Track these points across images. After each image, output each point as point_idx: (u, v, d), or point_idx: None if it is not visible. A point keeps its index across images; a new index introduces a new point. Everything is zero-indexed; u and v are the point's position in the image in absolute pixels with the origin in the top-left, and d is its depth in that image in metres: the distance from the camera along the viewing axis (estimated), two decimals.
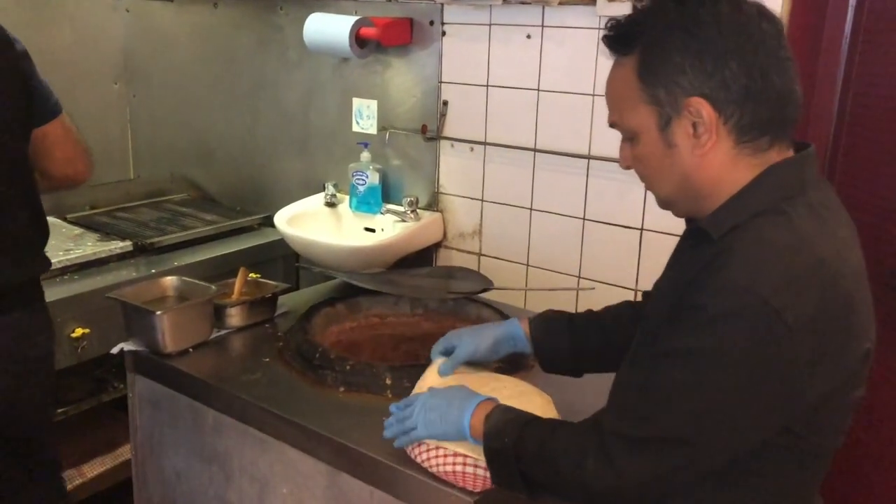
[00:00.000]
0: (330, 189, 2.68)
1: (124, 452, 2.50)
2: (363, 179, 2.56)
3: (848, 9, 1.91)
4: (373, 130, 2.60)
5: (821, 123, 1.99)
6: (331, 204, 2.68)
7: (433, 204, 2.54)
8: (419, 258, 2.52)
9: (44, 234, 1.80)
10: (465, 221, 2.49)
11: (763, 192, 1.09)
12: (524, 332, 1.49)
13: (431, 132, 2.48)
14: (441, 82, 2.43)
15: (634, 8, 1.09)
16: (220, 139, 3.10)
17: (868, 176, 1.94)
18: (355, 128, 2.65)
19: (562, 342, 1.47)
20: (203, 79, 3.08)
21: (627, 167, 1.20)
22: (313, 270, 2.35)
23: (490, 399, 1.30)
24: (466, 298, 2.03)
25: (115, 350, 1.82)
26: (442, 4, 2.34)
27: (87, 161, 1.89)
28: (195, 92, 3.12)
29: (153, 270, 2.46)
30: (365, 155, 2.57)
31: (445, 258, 2.56)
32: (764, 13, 1.09)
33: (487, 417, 1.24)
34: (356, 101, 2.64)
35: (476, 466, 1.30)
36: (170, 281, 1.92)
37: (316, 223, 2.62)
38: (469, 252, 2.50)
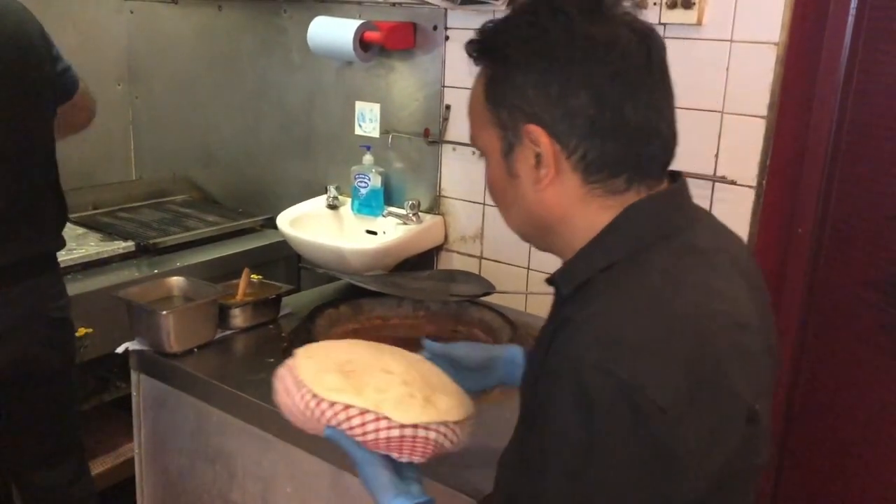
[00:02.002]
0: (332, 191, 2.68)
1: (126, 451, 2.51)
2: (365, 182, 2.57)
3: (848, 16, 1.92)
4: (375, 133, 2.61)
5: (820, 131, 2.01)
6: (333, 206, 2.68)
7: (435, 207, 2.55)
8: (420, 261, 2.54)
9: (63, 213, 1.93)
10: (466, 225, 2.51)
11: (616, 239, 0.95)
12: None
13: (434, 136, 2.49)
14: (444, 86, 2.44)
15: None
16: (222, 141, 3.10)
17: (867, 184, 1.96)
18: (358, 131, 2.66)
19: None
20: (206, 80, 3.08)
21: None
22: (317, 271, 2.36)
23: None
24: (468, 301, 2.05)
25: (120, 349, 1.84)
26: (445, 9, 2.35)
27: (94, 109, 2.06)
28: (198, 93, 3.12)
29: (155, 271, 2.47)
30: (367, 158, 2.58)
31: (446, 261, 2.57)
32: (644, 39, 0.94)
33: None
34: (359, 105, 2.65)
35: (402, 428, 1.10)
36: (175, 281, 1.93)
37: (318, 225, 2.63)
38: (470, 255, 2.51)
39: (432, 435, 1.11)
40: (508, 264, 2.43)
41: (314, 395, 1.10)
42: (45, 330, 1.87)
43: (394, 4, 2.47)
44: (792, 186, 2.05)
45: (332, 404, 1.09)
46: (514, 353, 1.36)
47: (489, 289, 2.14)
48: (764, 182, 1.95)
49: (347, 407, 1.08)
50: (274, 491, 1.64)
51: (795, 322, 2.11)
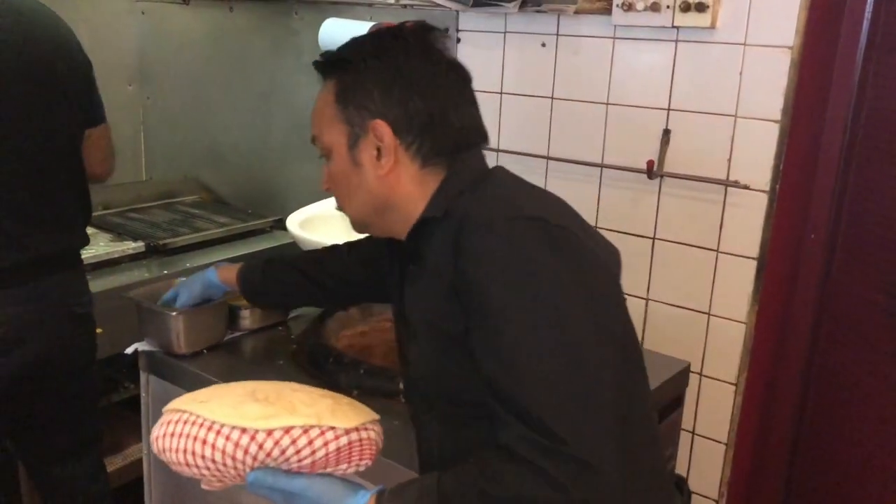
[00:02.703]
0: None
1: (134, 452, 2.51)
2: None
3: (863, 21, 1.91)
4: None
5: (834, 135, 1.99)
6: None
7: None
8: None
9: (88, 211, 1.98)
10: None
11: (458, 180, 1.19)
12: (217, 279, 1.76)
13: None
14: None
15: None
16: (233, 142, 3.10)
17: (881, 189, 1.94)
18: None
19: (256, 275, 1.72)
20: (217, 81, 3.09)
21: (327, 189, 1.27)
22: None
23: (376, 492, 1.05)
24: None
25: (129, 350, 1.84)
26: (457, 11, 2.35)
27: (113, 164, 2.10)
28: (209, 94, 3.13)
29: (165, 271, 2.47)
30: None
31: None
32: (453, 66, 1.23)
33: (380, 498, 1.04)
34: None
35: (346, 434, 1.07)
36: None
37: (328, 227, 2.62)
38: None
39: (373, 434, 1.10)
40: None
41: (244, 430, 1.00)
42: (68, 325, 1.89)
43: (405, 6, 2.47)
44: (805, 191, 2.03)
45: (270, 432, 1.00)
46: (210, 276, 1.78)
47: None
48: (777, 187, 1.94)
49: (288, 429, 1.01)
50: None
51: (808, 327, 2.10)
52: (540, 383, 0.98)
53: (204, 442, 1.00)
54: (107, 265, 2.46)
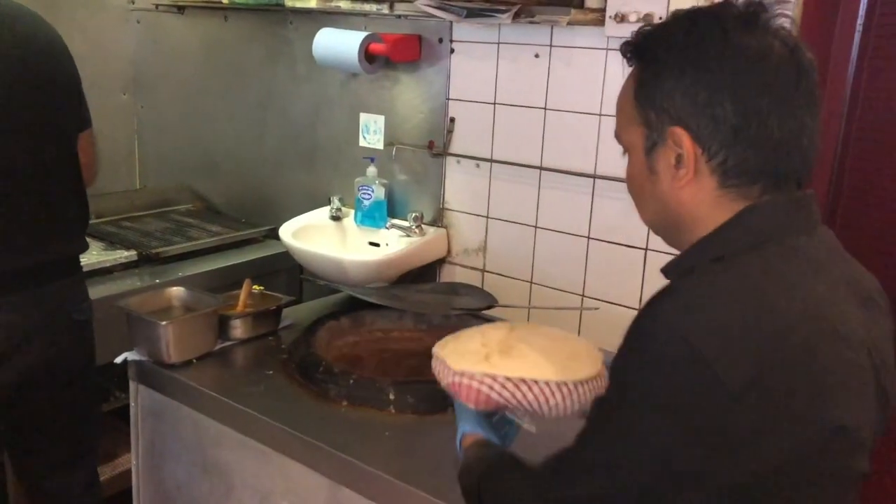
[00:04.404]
0: (335, 203, 2.68)
1: (124, 462, 2.49)
2: (369, 194, 2.57)
3: (857, 24, 1.92)
4: (379, 145, 2.61)
5: (827, 139, 1.99)
6: (336, 217, 2.68)
7: (438, 220, 2.54)
8: (423, 273, 2.52)
9: (86, 217, 1.97)
10: (469, 238, 2.50)
11: (729, 235, 0.99)
12: None
13: (438, 148, 2.48)
14: (448, 99, 2.43)
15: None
16: (226, 151, 3.10)
17: (875, 192, 1.94)
18: (362, 142, 2.66)
19: None
20: (211, 91, 3.09)
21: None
22: (318, 283, 2.35)
23: (472, 432, 1.25)
24: (470, 315, 2.04)
25: (119, 359, 1.83)
26: (451, 22, 2.35)
27: (97, 169, 2.06)
28: (203, 103, 3.12)
29: (157, 280, 2.46)
30: (371, 170, 2.57)
31: (449, 274, 2.56)
32: (795, 52, 0.98)
33: (465, 451, 1.23)
34: (363, 116, 2.64)
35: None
36: (175, 291, 1.92)
37: (321, 236, 2.62)
38: (473, 268, 2.50)
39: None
40: (511, 278, 2.42)
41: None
42: (69, 331, 1.89)
43: (399, 17, 2.47)
44: None
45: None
46: None
47: (492, 302, 2.13)
48: None
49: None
50: None
51: None
52: (575, 459, 1.02)
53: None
54: (99, 273, 2.45)
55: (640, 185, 1.07)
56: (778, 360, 0.88)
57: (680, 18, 1.03)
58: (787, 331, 0.89)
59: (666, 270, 1.05)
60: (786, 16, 1.01)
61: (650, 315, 0.95)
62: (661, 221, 1.09)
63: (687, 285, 0.96)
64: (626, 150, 1.09)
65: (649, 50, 1.04)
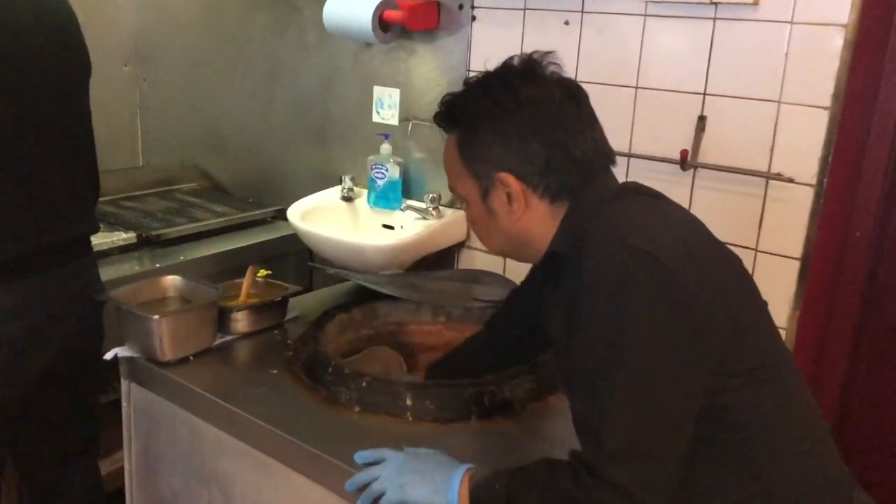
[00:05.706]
0: (347, 182, 2.56)
1: (121, 458, 2.36)
2: (383, 173, 2.44)
3: None
4: (394, 121, 2.49)
5: (885, 124, 1.83)
6: (347, 198, 2.56)
7: (456, 201, 2.39)
8: (440, 259, 2.40)
9: (97, 196, 1.92)
10: None
11: (580, 211, 1.21)
12: None
13: None
14: (469, 71, 2.28)
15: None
16: (233, 127, 2.99)
17: None
18: (376, 118, 2.54)
19: None
20: (216, 62, 2.98)
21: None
22: (327, 272, 2.21)
23: (467, 469, 1.23)
24: (492, 306, 1.88)
25: (108, 356, 1.69)
26: None
27: None
28: (208, 76, 3.02)
29: (157, 265, 2.33)
30: (385, 147, 2.45)
31: (468, 259, 2.42)
32: (570, 89, 1.23)
33: (472, 478, 1.21)
34: (377, 90, 2.52)
35: None
36: (171, 281, 1.79)
37: (331, 218, 2.49)
38: None
39: None
40: None
41: None
42: (91, 312, 1.83)
43: None
44: (851, 185, 1.87)
45: None
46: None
47: None
48: (825, 181, 1.78)
49: None
50: None
51: (850, 333, 1.97)
52: (609, 413, 1.06)
53: None
54: (96, 257, 2.31)
55: (485, 225, 1.28)
56: (692, 245, 1.16)
57: (474, 85, 1.26)
58: (689, 229, 1.21)
59: (553, 250, 1.23)
60: (555, 63, 1.24)
61: (586, 260, 1.12)
62: (510, 247, 1.30)
63: (589, 234, 1.14)
64: (464, 200, 1.29)
65: (459, 116, 1.26)
